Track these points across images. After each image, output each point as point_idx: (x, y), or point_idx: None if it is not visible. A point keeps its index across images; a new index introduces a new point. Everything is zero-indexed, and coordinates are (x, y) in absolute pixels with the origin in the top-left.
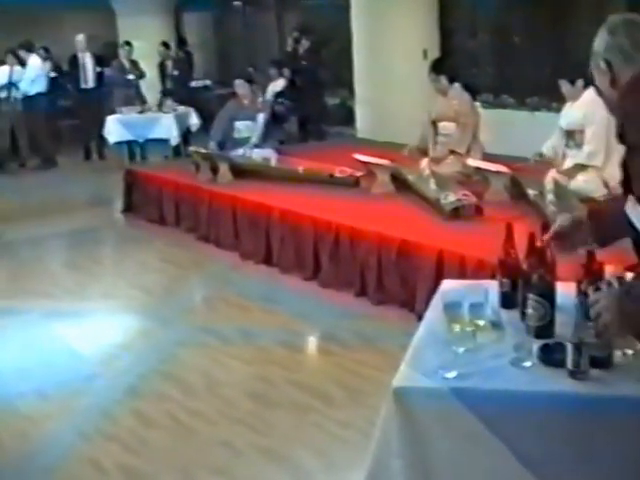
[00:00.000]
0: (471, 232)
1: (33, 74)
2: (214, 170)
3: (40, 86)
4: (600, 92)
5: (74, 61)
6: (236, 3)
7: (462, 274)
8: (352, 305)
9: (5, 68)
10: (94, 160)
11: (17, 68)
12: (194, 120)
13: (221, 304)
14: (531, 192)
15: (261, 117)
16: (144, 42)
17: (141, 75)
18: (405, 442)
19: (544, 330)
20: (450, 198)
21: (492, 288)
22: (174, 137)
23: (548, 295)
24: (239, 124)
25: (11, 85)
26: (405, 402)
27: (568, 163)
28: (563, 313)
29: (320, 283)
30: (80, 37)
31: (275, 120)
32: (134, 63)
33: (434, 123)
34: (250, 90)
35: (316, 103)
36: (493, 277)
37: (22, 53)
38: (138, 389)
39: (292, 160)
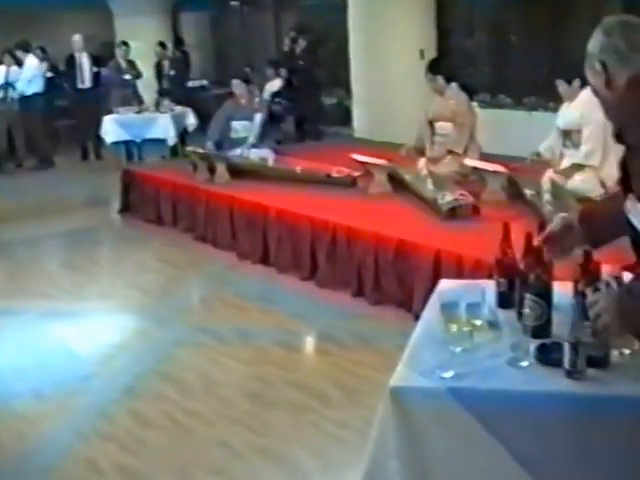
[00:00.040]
0: (468, 232)
1: (30, 74)
2: (211, 170)
3: (37, 86)
4: (596, 92)
5: (71, 61)
6: (233, 3)
7: (459, 274)
8: (349, 305)
9: (2, 68)
10: (91, 160)
11: (14, 68)
12: (191, 120)
13: (218, 304)
14: (528, 192)
15: (258, 117)
16: (141, 42)
17: (138, 75)
18: (402, 442)
19: (541, 330)
20: (447, 198)
21: (489, 288)
22: (171, 137)
23: (545, 295)
24: (236, 124)
25: (8, 85)
26: (402, 402)
27: (565, 163)
28: (560, 313)
29: (317, 283)
30: (77, 37)
31: (272, 120)
32: (131, 63)
33: (431, 123)
34: (247, 90)
35: (313, 103)
36: (490, 277)
37: (19, 53)
38: (135, 389)
39: (289, 160)
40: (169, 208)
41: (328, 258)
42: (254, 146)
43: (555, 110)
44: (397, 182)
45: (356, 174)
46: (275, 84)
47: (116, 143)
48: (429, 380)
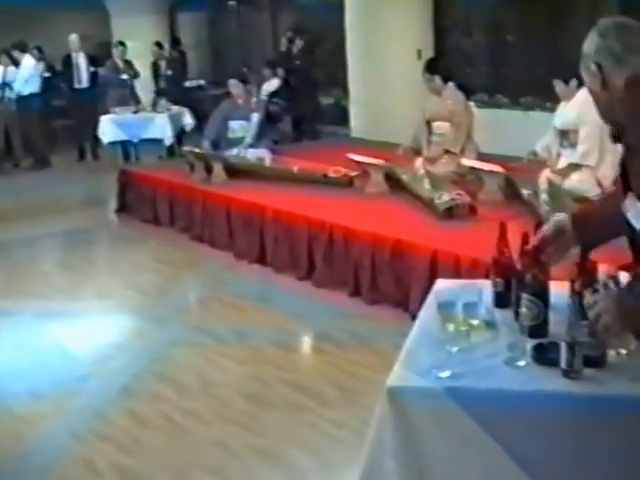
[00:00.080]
0: (465, 232)
1: (26, 74)
2: (208, 170)
3: (34, 86)
4: (592, 93)
5: (68, 61)
6: (231, 3)
7: (456, 274)
8: (346, 305)
9: None
10: (88, 160)
11: (10, 68)
12: (188, 120)
13: (215, 304)
14: (525, 192)
15: (255, 117)
16: (138, 42)
17: (135, 75)
18: (399, 442)
19: (538, 329)
20: (444, 198)
21: (486, 287)
22: (168, 137)
23: (542, 294)
24: (233, 124)
25: (4, 85)
26: (399, 402)
27: (562, 163)
28: (557, 312)
29: (314, 283)
30: (73, 37)
31: (269, 120)
32: (128, 63)
33: (428, 123)
34: (244, 90)
35: (310, 103)
36: (487, 277)
37: (15, 53)
38: (132, 389)
39: (286, 160)
40: (166, 208)
41: (325, 258)
42: (251, 146)
43: (552, 110)
44: (394, 182)
45: (353, 174)
46: (272, 84)
47: (113, 143)
48: (426, 380)
